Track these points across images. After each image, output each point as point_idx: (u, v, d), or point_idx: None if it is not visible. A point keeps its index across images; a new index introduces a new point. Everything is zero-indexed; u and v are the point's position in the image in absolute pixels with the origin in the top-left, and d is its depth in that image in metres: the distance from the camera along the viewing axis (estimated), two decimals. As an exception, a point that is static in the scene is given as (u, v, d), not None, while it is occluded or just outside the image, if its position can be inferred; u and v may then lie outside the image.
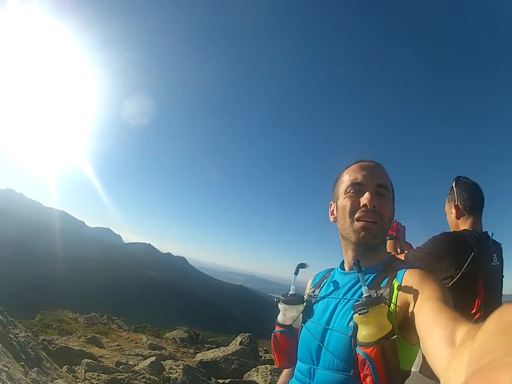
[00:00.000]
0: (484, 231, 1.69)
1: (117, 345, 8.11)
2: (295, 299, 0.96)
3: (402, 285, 0.79)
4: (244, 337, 6.97)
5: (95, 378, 3.92)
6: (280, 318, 0.97)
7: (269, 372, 4.95)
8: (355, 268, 0.84)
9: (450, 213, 1.74)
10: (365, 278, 0.85)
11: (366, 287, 0.80)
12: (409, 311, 0.74)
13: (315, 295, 0.97)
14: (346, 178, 0.95)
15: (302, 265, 1.02)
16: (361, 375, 0.73)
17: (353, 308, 0.78)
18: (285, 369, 1.08)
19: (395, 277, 0.82)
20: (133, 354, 6.76)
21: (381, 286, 0.83)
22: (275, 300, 0.99)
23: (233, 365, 5.50)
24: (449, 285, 1.48)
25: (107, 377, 3.95)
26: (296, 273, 1.01)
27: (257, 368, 5.25)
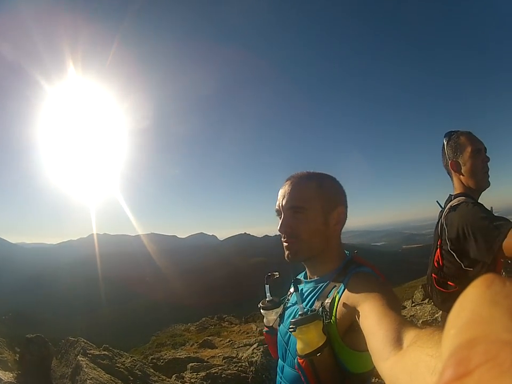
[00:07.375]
0: None
1: (229, 341, 8.79)
2: (271, 305, 1.07)
3: (345, 292, 0.82)
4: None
5: (194, 377, 4.52)
6: (264, 320, 1.11)
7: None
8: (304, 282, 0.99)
9: None
10: (316, 289, 0.92)
11: (302, 305, 0.86)
12: (355, 318, 0.76)
13: (288, 300, 1.08)
14: None
15: (271, 276, 1.10)
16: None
17: (289, 325, 0.84)
18: None
19: (340, 285, 0.85)
20: (241, 346, 7.31)
21: (328, 296, 0.86)
22: (258, 305, 1.10)
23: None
24: None
25: (203, 374, 4.51)
26: (267, 283, 1.09)
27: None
